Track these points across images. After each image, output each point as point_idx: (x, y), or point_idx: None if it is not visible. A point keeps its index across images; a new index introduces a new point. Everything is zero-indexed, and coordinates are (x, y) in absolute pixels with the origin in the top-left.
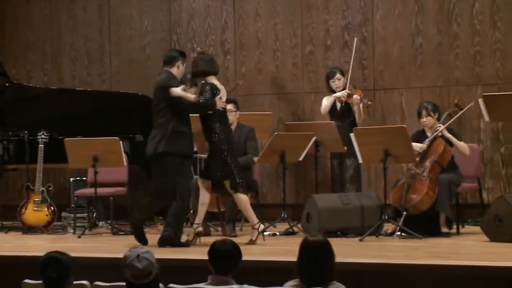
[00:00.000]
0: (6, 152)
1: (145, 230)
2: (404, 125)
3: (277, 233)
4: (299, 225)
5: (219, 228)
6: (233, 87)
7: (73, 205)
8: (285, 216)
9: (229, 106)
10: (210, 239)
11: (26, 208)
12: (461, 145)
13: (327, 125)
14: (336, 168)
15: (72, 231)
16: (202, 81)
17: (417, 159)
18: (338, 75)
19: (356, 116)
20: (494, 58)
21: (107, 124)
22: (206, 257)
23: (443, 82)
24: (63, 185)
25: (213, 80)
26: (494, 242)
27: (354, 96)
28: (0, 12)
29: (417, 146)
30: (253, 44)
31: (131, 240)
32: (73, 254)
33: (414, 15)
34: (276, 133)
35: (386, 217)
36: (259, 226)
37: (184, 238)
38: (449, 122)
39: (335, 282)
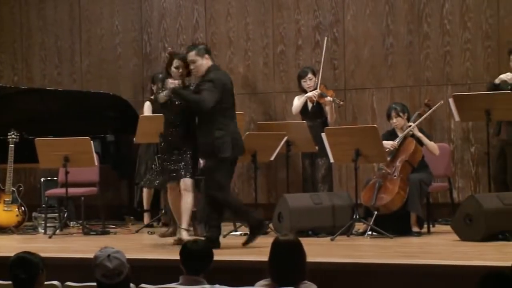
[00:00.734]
0: None
1: (116, 230)
2: (375, 125)
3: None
4: (271, 225)
5: (191, 228)
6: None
7: (43, 205)
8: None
9: None
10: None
11: None
12: (431, 144)
13: (298, 125)
14: (307, 168)
15: (42, 231)
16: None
17: (388, 158)
18: (309, 75)
19: (328, 116)
20: (464, 58)
21: (78, 124)
22: (177, 257)
23: (413, 82)
24: (33, 185)
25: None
26: (465, 241)
27: (327, 98)
28: None
29: (388, 144)
30: (224, 44)
31: (102, 240)
32: (44, 255)
33: (385, 15)
34: (247, 133)
35: (358, 216)
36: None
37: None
38: (419, 121)
39: (306, 281)
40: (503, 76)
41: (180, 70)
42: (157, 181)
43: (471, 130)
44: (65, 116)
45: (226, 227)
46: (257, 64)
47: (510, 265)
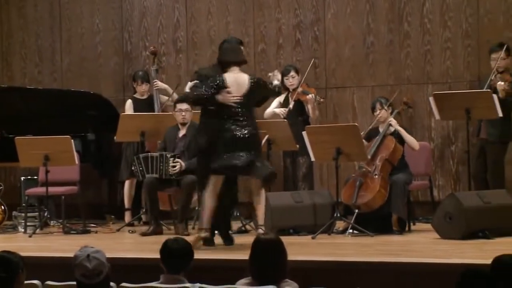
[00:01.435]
0: None
1: (97, 229)
2: (356, 123)
3: (230, 232)
4: (252, 224)
5: (172, 227)
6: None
7: (24, 204)
8: (238, 214)
9: (185, 106)
10: (163, 238)
11: None
12: (411, 139)
13: (279, 123)
14: (288, 166)
15: (23, 230)
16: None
17: (369, 157)
18: (292, 73)
19: (310, 113)
20: (444, 57)
21: (58, 122)
22: (158, 255)
23: (394, 80)
24: (13, 184)
25: (232, 71)
26: (445, 240)
27: (308, 95)
28: None
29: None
30: (205, 42)
31: (82, 239)
32: (24, 254)
33: (366, 14)
34: None
35: (338, 215)
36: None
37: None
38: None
39: (287, 280)
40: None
41: None
42: None
43: (451, 128)
44: (46, 114)
45: None
46: None
47: (489, 263)
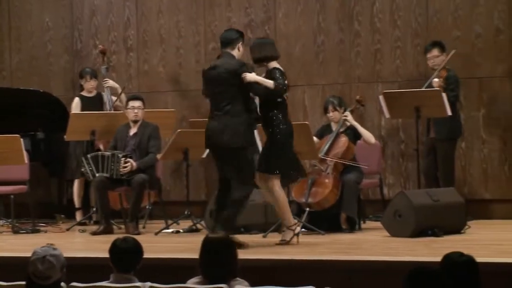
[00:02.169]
0: None
1: (46, 228)
2: (307, 122)
3: (181, 231)
4: (203, 222)
5: (122, 226)
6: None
7: None
8: (189, 213)
9: (138, 103)
10: (113, 237)
11: None
12: (366, 133)
13: None
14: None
15: None
16: (274, 66)
17: (320, 155)
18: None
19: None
20: (394, 56)
21: (7, 121)
22: (108, 255)
23: (344, 79)
24: None
25: (275, 65)
26: (395, 237)
27: None
28: None
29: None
30: (156, 41)
31: (32, 239)
32: None
33: (316, 13)
34: (179, 130)
35: None
36: (295, 227)
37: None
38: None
39: (238, 278)
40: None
41: None
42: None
43: (401, 127)
44: None
45: (158, 225)
46: (188, 61)
47: (438, 260)
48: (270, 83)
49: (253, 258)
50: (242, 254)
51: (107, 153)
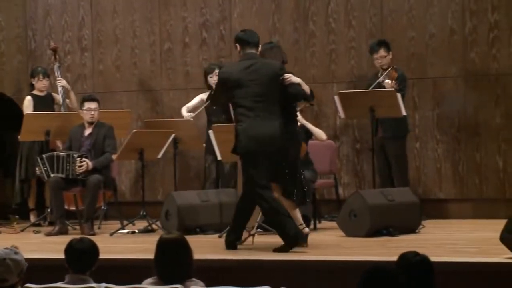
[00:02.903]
0: None
1: (0, 229)
2: None
3: (136, 231)
4: (158, 223)
5: (77, 227)
6: None
7: None
8: (144, 213)
9: (94, 105)
10: (68, 238)
11: None
12: (318, 130)
13: (186, 122)
14: (211, 165)
15: None
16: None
17: None
18: (216, 71)
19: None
20: (349, 56)
21: None
22: (63, 255)
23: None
24: None
25: None
26: (350, 237)
27: None
28: None
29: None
30: (110, 41)
31: None
32: None
33: (271, 13)
34: (134, 130)
35: None
36: (303, 228)
37: None
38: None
39: (193, 278)
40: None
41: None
42: None
43: (356, 127)
44: None
45: (113, 225)
46: (144, 61)
47: (394, 260)
48: (307, 87)
49: (208, 259)
50: (197, 255)
51: (62, 154)
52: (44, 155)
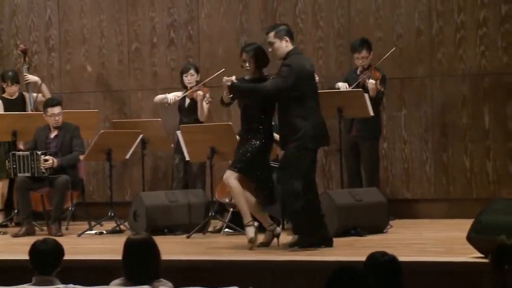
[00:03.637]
0: None
1: None
2: (230, 123)
3: (104, 232)
4: (126, 223)
5: (45, 228)
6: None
7: None
8: (112, 214)
9: (57, 110)
10: (35, 239)
11: None
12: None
13: (153, 123)
14: (179, 165)
15: None
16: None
17: None
18: (192, 71)
19: (199, 112)
20: (317, 56)
21: None
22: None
23: None
24: None
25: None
26: None
27: (198, 92)
28: None
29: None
30: (78, 41)
31: None
32: None
33: (239, 14)
34: (102, 131)
35: (213, 214)
36: (274, 228)
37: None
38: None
39: (161, 279)
40: (340, 85)
41: (247, 64)
42: None
43: None
44: None
45: (81, 226)
46: (111, 61)
47: (362, 259)
48: None
49: (176, 259)
50: (166, 255)
51: (26, 153)
52: (15, 153)
